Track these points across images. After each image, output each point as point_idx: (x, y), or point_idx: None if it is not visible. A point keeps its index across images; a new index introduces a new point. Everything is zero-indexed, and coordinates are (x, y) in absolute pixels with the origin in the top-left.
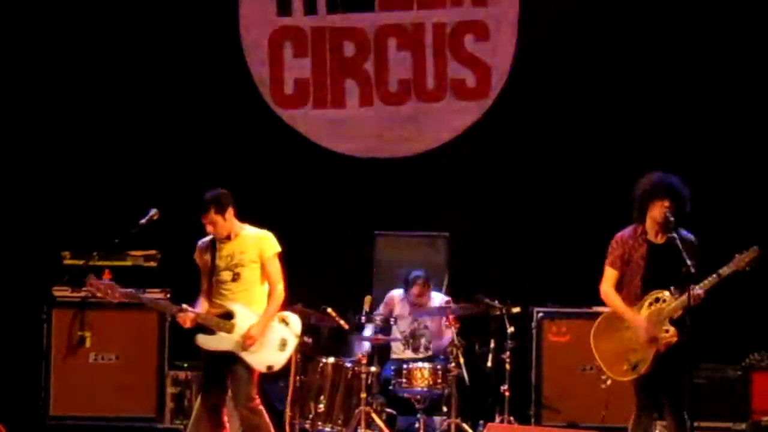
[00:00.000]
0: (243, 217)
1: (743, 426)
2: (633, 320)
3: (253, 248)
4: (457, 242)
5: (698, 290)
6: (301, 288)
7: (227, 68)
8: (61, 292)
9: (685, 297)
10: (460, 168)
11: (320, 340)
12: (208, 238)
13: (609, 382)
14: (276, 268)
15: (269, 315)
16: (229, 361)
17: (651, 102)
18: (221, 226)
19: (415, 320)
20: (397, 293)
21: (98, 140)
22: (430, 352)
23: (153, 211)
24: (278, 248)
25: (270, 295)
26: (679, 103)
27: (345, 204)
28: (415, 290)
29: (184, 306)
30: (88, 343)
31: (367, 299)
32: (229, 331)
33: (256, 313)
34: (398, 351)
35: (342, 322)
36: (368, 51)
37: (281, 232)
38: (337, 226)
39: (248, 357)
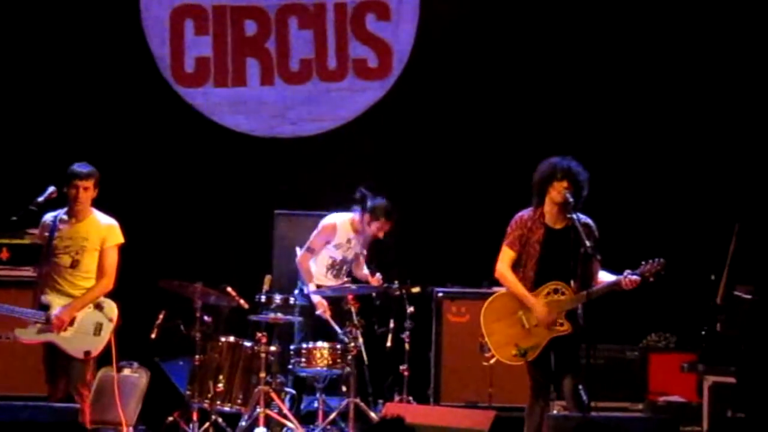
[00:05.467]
0: (141, 195)
1: (640, 406)
2: (533, 304)
3: (96, 235)
4: None
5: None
6: (201, 267)
7: (127, 45)
8: None
9: (582, 294)
10: (361, 147)
11: (220, 319)
12: (52, 215)
13: (493, 361)
14: (112, 261)
15: (84, 301)
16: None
17: (553, 83)
18: (88, 198)
19: (349, 248)
20: (340, 221)
21: None
22: (347, 278)
23: (51, 189)
24: (121, 240)
25: (96, 284)
26: (582, 87)
27: (245, 183)
28: (384, 225)
29: None
30: None
31: (267, 279)
32: (45, 321)
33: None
34: (320, 276)
35: (242, 301)
36: (269, 30)
37: (181, 210)
38: (238, 205)
39: (63, 343)
